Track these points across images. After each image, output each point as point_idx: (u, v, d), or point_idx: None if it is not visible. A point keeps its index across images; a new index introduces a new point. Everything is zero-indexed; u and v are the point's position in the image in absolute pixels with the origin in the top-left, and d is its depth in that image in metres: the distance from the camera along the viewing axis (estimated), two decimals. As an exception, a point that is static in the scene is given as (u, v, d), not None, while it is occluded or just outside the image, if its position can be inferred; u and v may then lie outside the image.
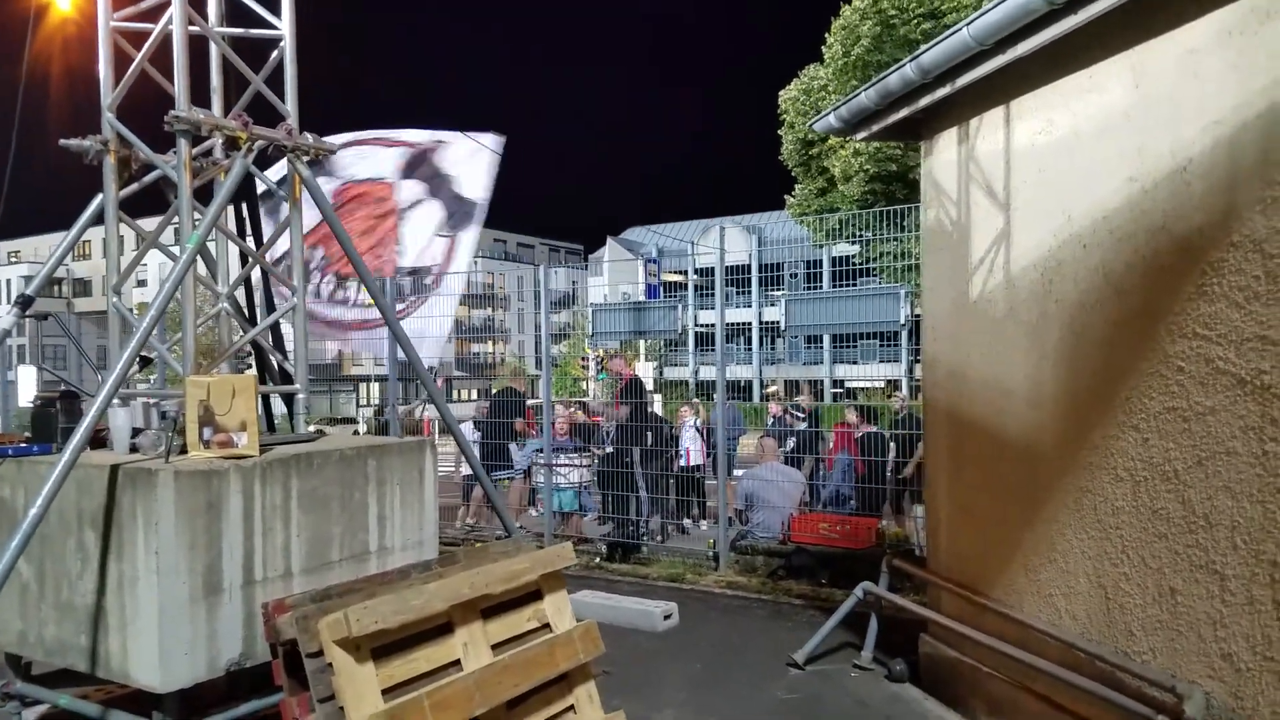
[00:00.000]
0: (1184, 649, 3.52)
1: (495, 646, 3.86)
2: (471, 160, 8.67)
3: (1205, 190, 3.45)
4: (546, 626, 4.14)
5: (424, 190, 8.76)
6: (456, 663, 3.69)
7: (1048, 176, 4.34)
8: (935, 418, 5.37)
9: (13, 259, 63.98)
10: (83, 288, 61.56)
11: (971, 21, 4.18)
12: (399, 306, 9.32)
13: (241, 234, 4.82)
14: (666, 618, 6.63)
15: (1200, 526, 3.45)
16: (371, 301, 9.12)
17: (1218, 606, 3.36)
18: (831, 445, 9.84)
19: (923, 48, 4.62)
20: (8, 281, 58.36)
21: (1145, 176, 3.74)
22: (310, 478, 3.84)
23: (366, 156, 8.89)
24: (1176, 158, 3.58)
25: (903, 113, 5.11)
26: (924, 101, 4.91)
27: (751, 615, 7.10)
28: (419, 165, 8.85)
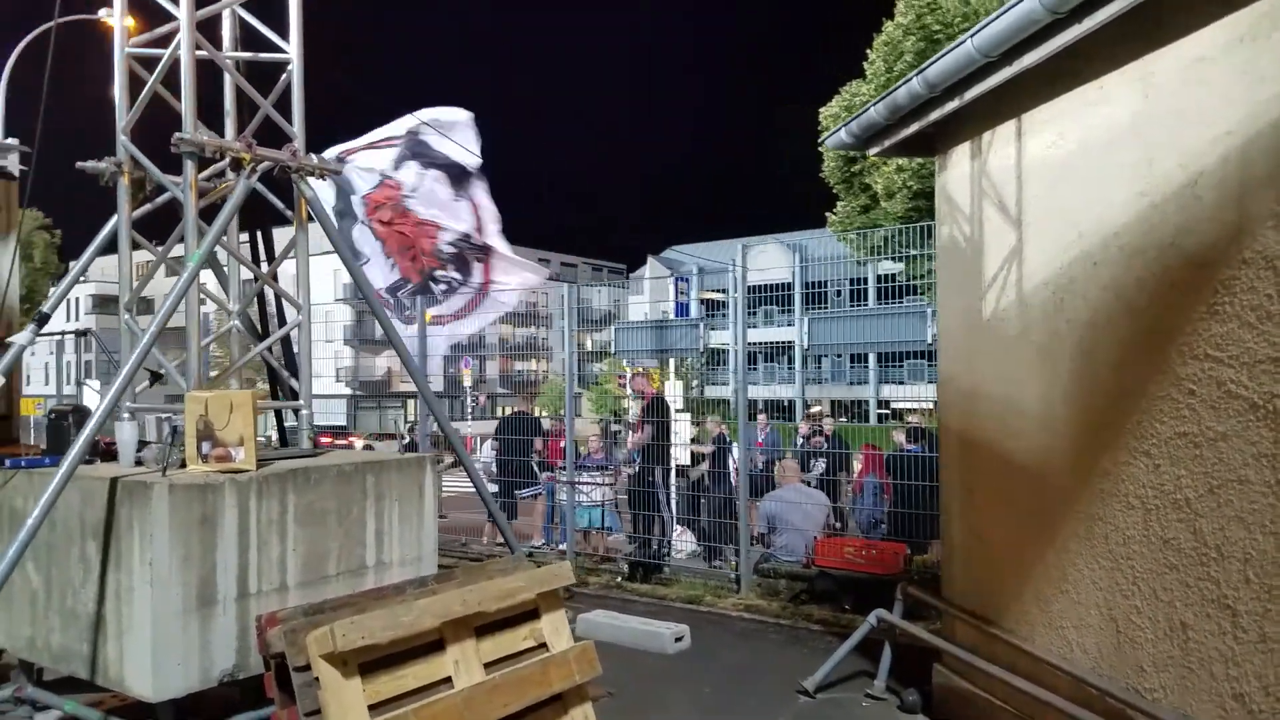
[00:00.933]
0: (1195, 687, 3.36)
1: (488, 665, 3.83)
2: (453, 134, 8.72)
3: (1215, 204, 3.33)
4: (543, 646, 4.10)
5: (419, 167, 8.80)
6: (448, 680, 3.67)
7: (1059, 191, 4.23)
8: (948, 439, 5.24)
9: (81, 279, 66.23)
10: (145, 305, 63.40)
11: (975, 33, 4.10)
12: (439, 311, 9.46)
13: (256, 257, 4.90)
14: (678, 640, 6.53)
15: (1212, 558, 3.30)
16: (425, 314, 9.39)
17: (1229, 643, 3.21)
18: (860, 468, 9.67)
19: (928, 61, 4.54)
20: (76, 300, 60.29)
21: (1155, 190, 3.62)
22: (307, 492, 3.87)
23: (365, 164, 8.97)
24: (1186, 170, 3.46)
25: (913, 128, 5.03)
26: (934, 116, 4.83)
27: (767, 640, 6.97)
28: (409, 153, 8.94)
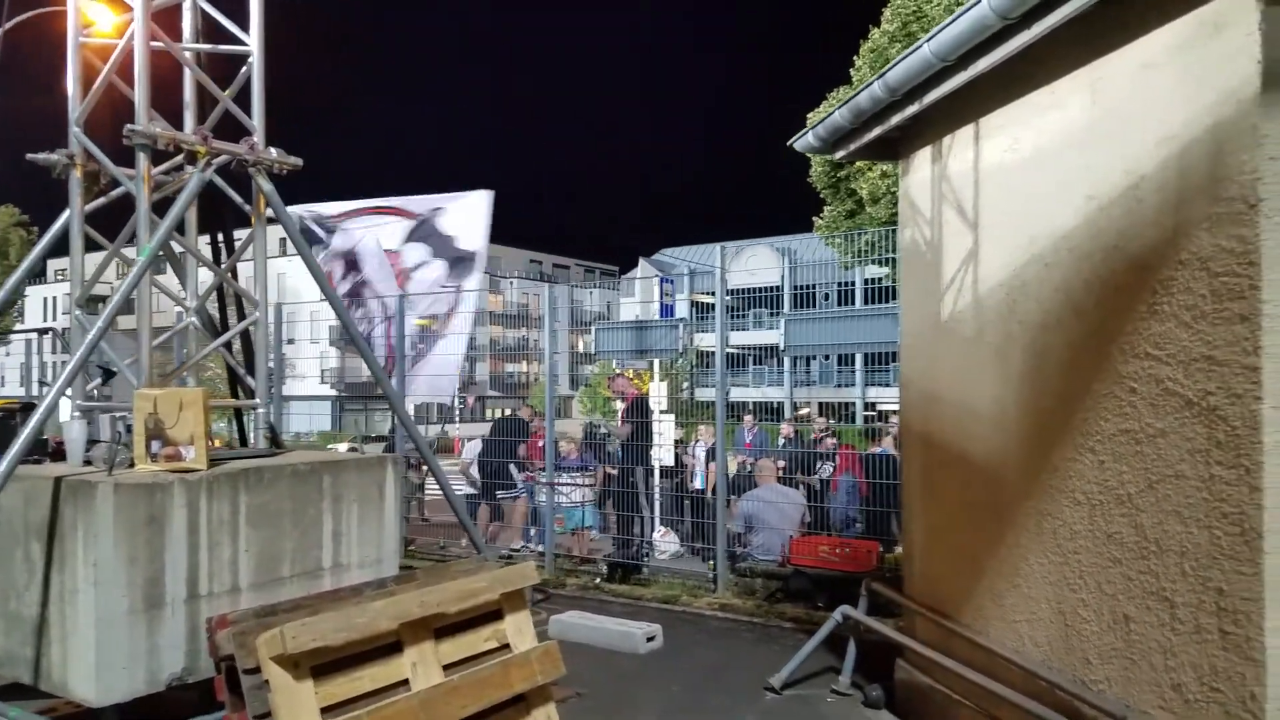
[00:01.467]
0: (1137, 678, 3.40)
1: (449, 666, 3.82)
2: (468, 219, 9.49)
3: (1156, 207, 3.37)
4: (506, 647, 4.10)
5: (427, 252, 9.63)
6: (405, 683, 3.67)
7: (1013, 195, 4.27)
8: (910, 439, 5.28)
9: (60, 277, 65.82)
10: (125, 305, 63.06)
11: (932, 38, 4.14)
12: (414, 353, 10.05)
13: (217, 256, 4.90)
14: (650, 639, 6.55)
15: (1152, 552, 3.34)
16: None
17: (1168, 635, 3.25)
18: (835, 467, 9.72)
19: (888, 66, 4.58)
20: (54, 299, 59.97)
21: (1102, 194, 3.66)
22: (260, 492, 3.87)
23: (375, 226, 9.72)
24: (1130, 175, 3.50)
25: (876, 131, 5.07)
26: (895, 120, 4.87)
27: (739, 638, 7.00)
28: (420, 230, 9.73)
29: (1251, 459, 2.88)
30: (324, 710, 3.39)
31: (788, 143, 5.70)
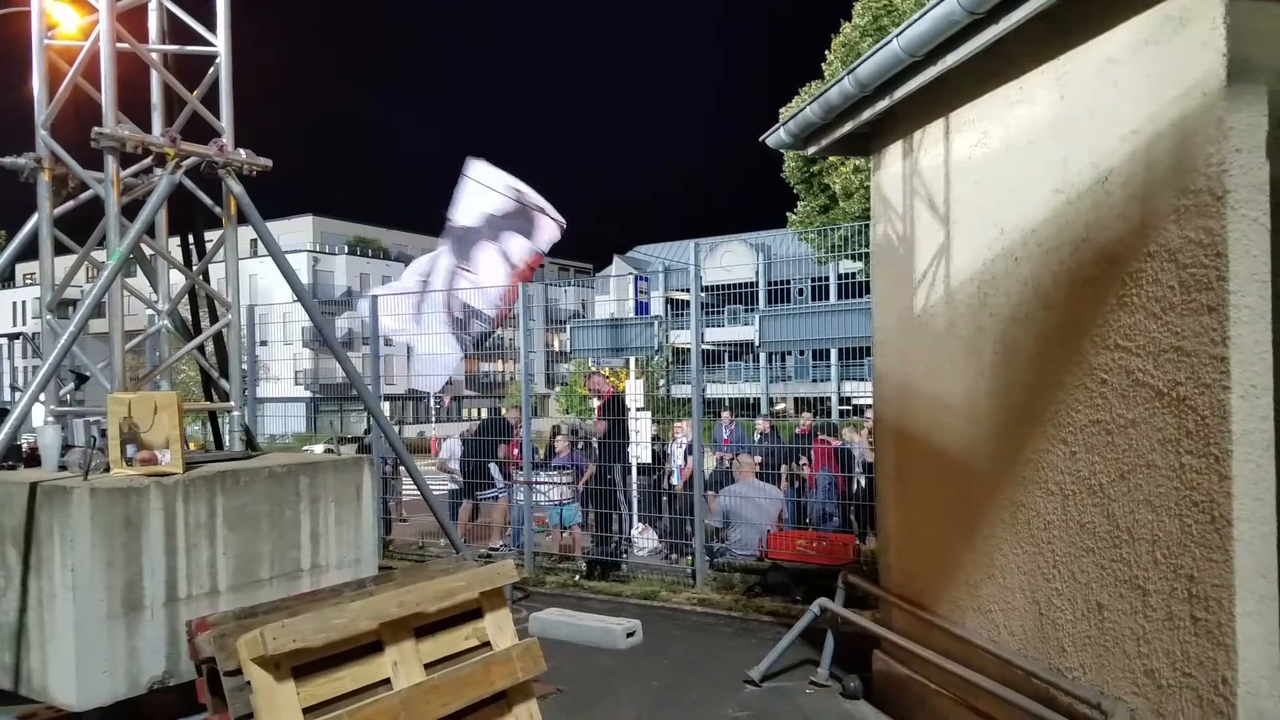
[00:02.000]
0: (1111, 665, 3.46)
1: (429, 665, 3.82)
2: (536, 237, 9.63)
3: (1124, 200, 3.42)
4: (486, 645, 4.10)
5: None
6: (386, 682, 3.66)
7: (983, 189, 4.32)
8: (884, 432, 5.33)
9: (29, 281, 64.71)
10: (96, 309, 62.13)
11: (900, 33, 4.17)
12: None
13: (188, 258, 4.85)
14: (629, 635, 6.57)
15: (1124, 541, 3.40)
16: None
17: (1140, 622, 3.31)
18: (812, 462, 9.79)
19: (857, 61, 4.62)
20: (23, 304, 58.99)
21: (1070, 188, 3.71)
22: (237, 495, 3.84)
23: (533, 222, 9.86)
24: (1098, 168, 3.56)
25: (847, 127, 5.11)
26: (866, 115, 4.90)
27: (718, 633, 7.04)
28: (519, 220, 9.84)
29: (1220, 448, 2.94)
30: (306, 710, 3.38)
31: (759, 139, 5.73)
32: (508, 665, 4.04)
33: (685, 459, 10.72)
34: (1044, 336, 3.87)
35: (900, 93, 4.56)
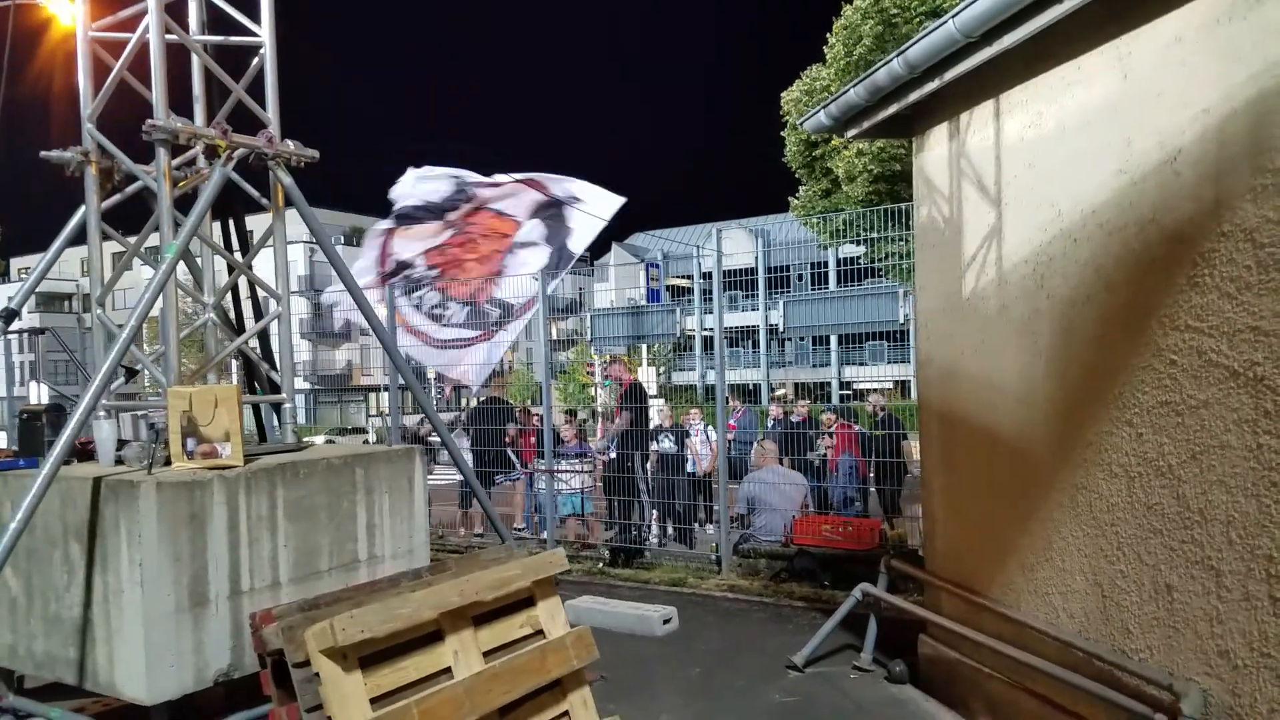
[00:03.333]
0: (1181, 646, 3.46)
1: (487, 654, 3.83)
2: (589, 222, 9.46)
3: (1195, 180, 3.40)
4: (540, 633, 4.11)
5: (540, 234, 9.59)
6: (447, 670, 3.67)
7: (1037, 171, 4.29)
8: (929, 417, 5.32)
9: (22, 275, 64.39)
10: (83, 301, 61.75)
11: (957, 14, 4.13)
12: (477, 332, 9.99)
13: (228, 245, 4.81)
14: (666, 622, 6.58)
15: (1195, 522, 3.39)
16: (461, 322, 9.83)
17: (1214, 603, 3.30)
18: (834, 447, 9.80)
19: (909, 42, 4.58)
20: (9, 298, 58.70)
21: (1134, 168, 3.68)
22: (296, 487, 3.82)
23: (512, 194, 9.63)
24: (1165, 148, 3.53)
25: (892, 109, 5.07)
26: (913, 97, 4.87)
27: (752, 618, 7.05)
28: (547, 211, 9.66)
29: (1303, 427, 2.92)
30: (373, 700, 3.38)
31: (798, 123, 5.69)
32: (562, 653, 4.05)
33: (708, 445, 10.72)
34: (1106, 318, 3.85)
35: (951, 74, 4.53)
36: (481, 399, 11.87)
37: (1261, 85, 3.10)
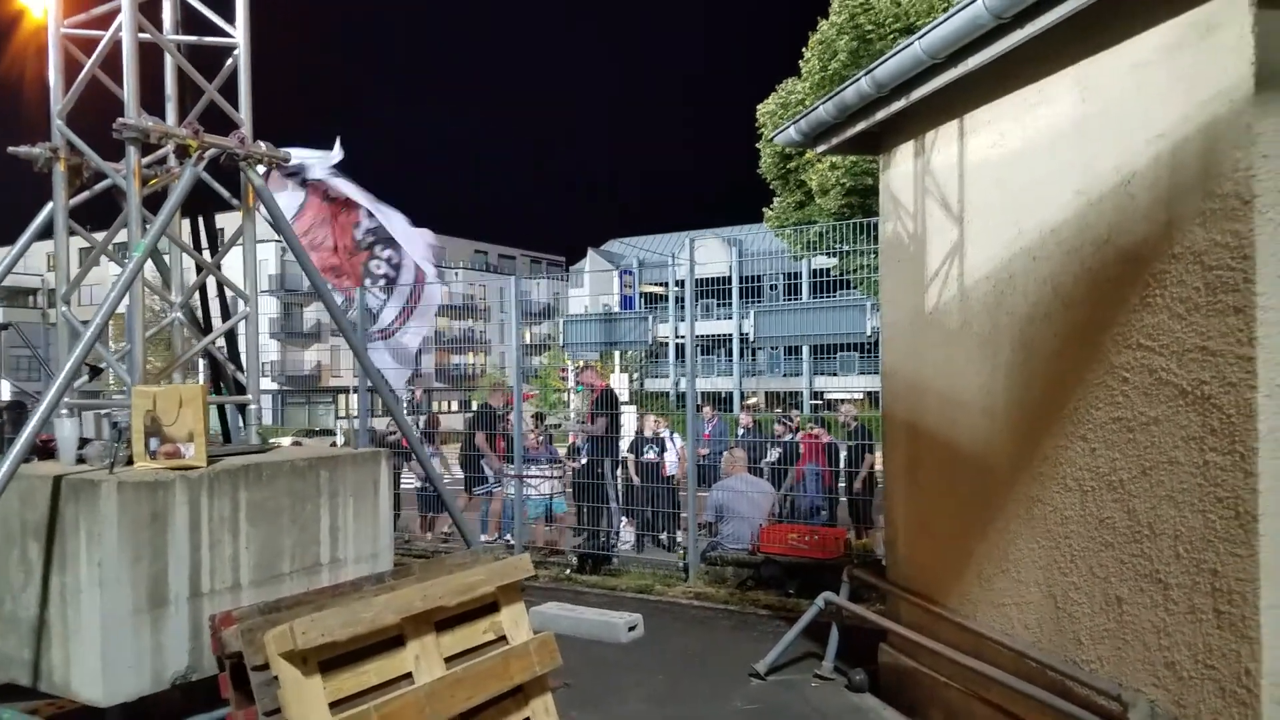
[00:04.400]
0: (1130, 657, 3.54)
1: (449, 659, 3.84)
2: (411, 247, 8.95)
3: (1148, 203, 3.49)
4: (503, 639, 4.11)
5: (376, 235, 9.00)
6: (409, 676, 3.67)
7: (1000, 189, 4.38)
8: (893, 428, 5.40)
9: (-11, 269, 63.05)
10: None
11: (923, 35, 4.22)
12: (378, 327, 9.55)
13: (198, 244, 4.79)
14: (631, 629, 6.60)
15: (1145, 536, 3.48)
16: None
17: (1161, 615, 3.39)
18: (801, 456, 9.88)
19: (877, 62, 4.66)
20: (-39, 294, 57.55)
21: (1092, 189, 3.78)
22: (260, 489, 3.81)
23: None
24: (1121, 171, 3.63)
25: (860, 126, 5.16)
26: (880, 115, 4.96)
27: (717, 626, 7.09)
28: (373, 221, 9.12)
29: (1246, 445, 3.01)
30: (332, 705, 3.37)
31: (770, 136, 5.77)
32: (525, 659, 4.05)
33: (674, 451, 10.76)
34: (1063, 335, 3.94)
35: (917, 94, 4.62)
36: (478, 405, 11.75)
37: (1212, 112, 3.21)
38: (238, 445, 4.31)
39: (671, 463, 10.80)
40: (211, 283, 4.77)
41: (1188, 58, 3.31)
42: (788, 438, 10.58)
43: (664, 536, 10.30)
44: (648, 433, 10.39)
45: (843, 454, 9.89)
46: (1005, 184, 4.35)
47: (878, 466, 8.88)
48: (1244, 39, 3.06)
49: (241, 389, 4.50)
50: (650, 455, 10.06)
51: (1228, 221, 3.12)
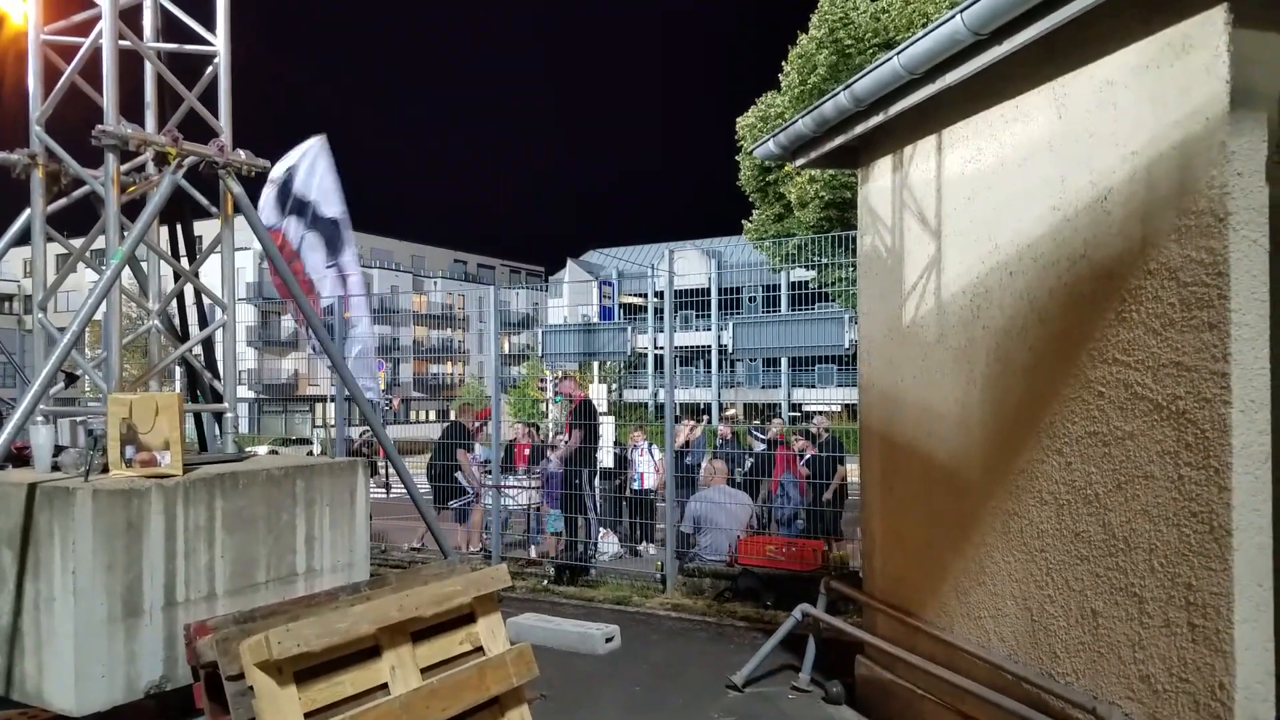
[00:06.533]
0: (1105, 670, 3.57)
1: (425, 670, 3.81)
2: (315, 174, 8.75)
3: (1124, 219, 3.55)
4: (480, 649, 4.09)
5: (301, 225, 8.88)
6: (384, 686, 3.64)
7: (976, 204, 4.43)
8: (870, 440, 5.43)
9: (-42, 275, 62.20)
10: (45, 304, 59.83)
11: (902, 51, 4.27)
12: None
13: (176, 252, 4.75)
14: (608, 640, 6.58)
15: (1120, 549, 3.52)
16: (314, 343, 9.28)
17: (1136, 629, 3.43)
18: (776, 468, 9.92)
19: (855, 76, 4.71)
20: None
21: (1067, 205, 3.84)
22: (236, 498, 3.77)
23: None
24: (1097, 187, 3.68)
25: (838, 140, 5.20)
26: (859, 129, 5.00)
27: (694, 638, 7.09)
28: (286, 200, 8.96)
29: (1220, 460, 3.06)
30: (307, 715, 3.35)
31: (750, 149, 5.82)
32: (502, 670, 4.04)
33: (652, 464, 10.77)
34: (1039, 349, 3.99)
35: (895, 109, 4.67)
36: (448, 425, 11.70)
37: (1187, 130, 3.26)
38: (214, 454, 4.27)
39: (647, 475, 10.81)
40: (189, 290, 4.73)
41: (1163, 76, 3.37)
42: (759, 448, 10.62)
43: (640, 547, 10.29)
44: (610, 440, 10.38)
45: (803, 467, 9.93)
46: (982, 199, 4.40)
47: (851, 478, 8.94)
48: (1219, 58, 3.12)
49: (218, 397, 4.46)
50: (605, 462, 10.04)
51: (1203, 238, 3.17)
